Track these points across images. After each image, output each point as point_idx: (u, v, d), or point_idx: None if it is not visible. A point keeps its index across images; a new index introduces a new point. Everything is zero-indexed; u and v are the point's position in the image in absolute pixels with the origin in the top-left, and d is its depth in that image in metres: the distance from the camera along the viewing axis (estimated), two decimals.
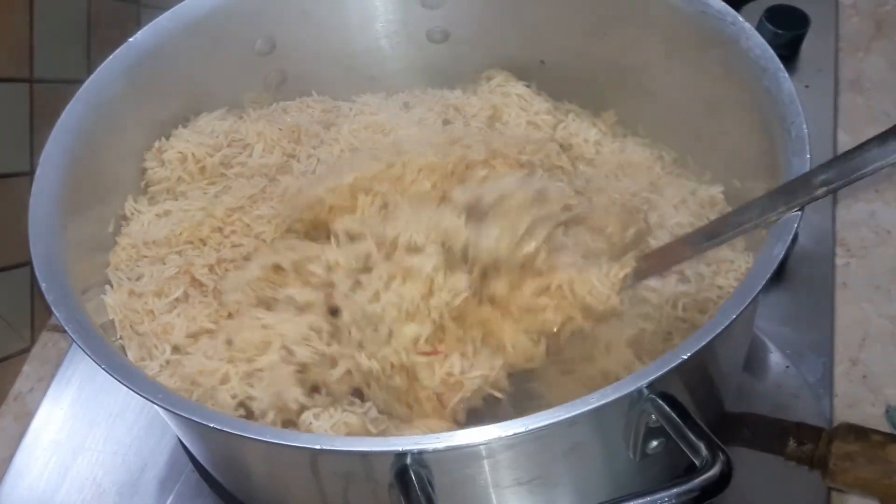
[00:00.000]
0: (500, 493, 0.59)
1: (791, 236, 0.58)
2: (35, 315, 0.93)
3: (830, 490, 0.72)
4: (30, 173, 0.88)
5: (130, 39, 0.79)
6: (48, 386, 0.90)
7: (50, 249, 0.66)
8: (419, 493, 0.52)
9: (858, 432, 0.67)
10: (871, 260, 0.85)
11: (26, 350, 0.93)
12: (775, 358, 0.81)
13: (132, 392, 0.57)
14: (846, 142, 0.93)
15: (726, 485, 0.51)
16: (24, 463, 0.85)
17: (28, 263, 0.89)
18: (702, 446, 0.52)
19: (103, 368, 0.58)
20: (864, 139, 0.88)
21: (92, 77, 0.76)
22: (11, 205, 0.86)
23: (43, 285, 0.63)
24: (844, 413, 0.76)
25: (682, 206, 0.75)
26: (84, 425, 0.86)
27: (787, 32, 1.00)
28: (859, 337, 0.80)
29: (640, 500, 0.51)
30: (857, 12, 1.05)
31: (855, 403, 0.77)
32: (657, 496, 0.51)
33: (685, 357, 0.53)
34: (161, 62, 0.80)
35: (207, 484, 0.78)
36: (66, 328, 0.60)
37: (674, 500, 0.51)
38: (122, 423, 0.85)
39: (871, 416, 0.76)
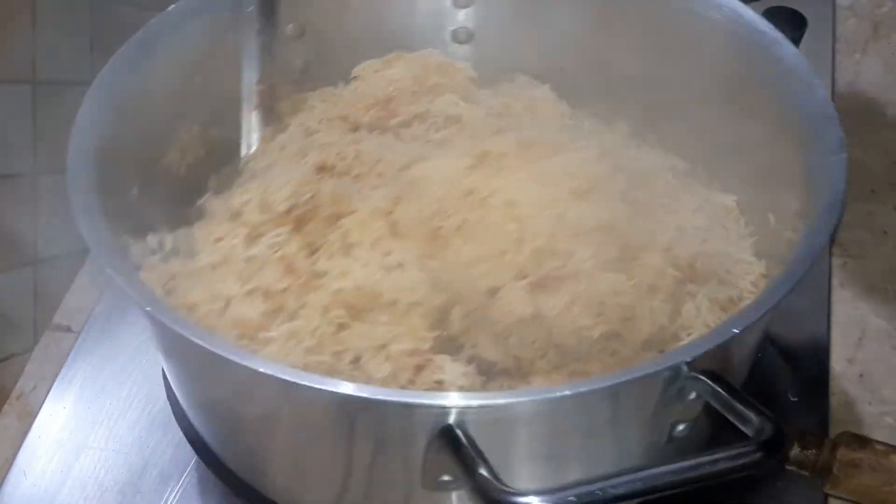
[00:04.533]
0: (524, 464, 0.60)
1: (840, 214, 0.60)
2: (38, 314, 0.93)
3: (827, 496, 0.72)
4: (33, 174, 0.89)
5: (152, 20, 0.78)
6: (51, 385, 0.90)
7: (87, 183, 0.66)
8: (470, 448, 0.52)
9: (862, 440, 0.67)
10: (867, 260, 0.86)
11: (29, 349, 0.93)
12: (772, 357, 0.81)
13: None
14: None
15: (779, 452, 0.52)
16: (26, 462, 0.85)
17: (31, 263, 0.90)
18: (752, 415, 0.53)
19: (146, 311, 0.58)
20: (860, 140, 0.90)
21: (126, 45, 0.76)
22: (14, 205, 0.87)
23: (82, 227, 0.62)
24: (841, 412, 0.77)
25: (699, 211, 0.76)
26: (86, 424, 0.87)
27: (784, 34, 1.01)
28: (856, 336, 0.81)
29: (692, 461, 0.51)
30: (854, 14, 1.06)
31: (852, 403, 0.77)
32: (713, 457, 0.51)
33: (737, 331, 0.54)
34: (193, 39, 0.81)
35: (214, 474, 0.77)
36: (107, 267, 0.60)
37: (728, 462, 0.51)
38: (124, 422, 0.86)
39: (868, 415, 0.76)
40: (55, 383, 0.90)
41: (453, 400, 0.53)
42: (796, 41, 1.02)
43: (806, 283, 0.85)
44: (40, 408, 0.89)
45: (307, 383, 0.53)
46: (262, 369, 0.53)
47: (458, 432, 0.52)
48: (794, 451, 0.68)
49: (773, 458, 0.52)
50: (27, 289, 0.92)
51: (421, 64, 0.89)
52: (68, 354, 0.92)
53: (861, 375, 0.79)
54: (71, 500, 0.82)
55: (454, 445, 0.52)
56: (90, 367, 0.90)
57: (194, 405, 0.75)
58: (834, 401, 0.78)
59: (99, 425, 0.86)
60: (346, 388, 0.53)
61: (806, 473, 0.68)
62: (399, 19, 0.90)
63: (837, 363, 0.79)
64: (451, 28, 0.91)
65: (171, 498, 0.80)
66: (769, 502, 0.73)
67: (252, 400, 0.64)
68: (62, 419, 0.88)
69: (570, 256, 0.68)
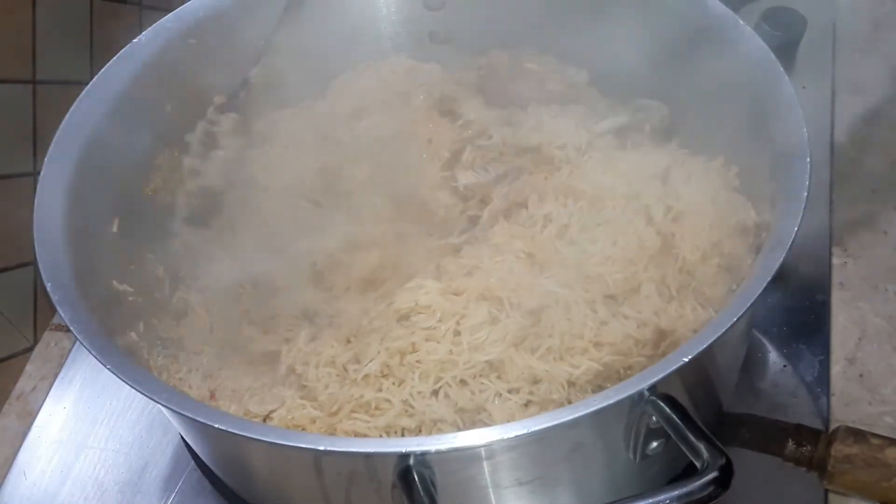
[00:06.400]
0: (502, 493, 0.60)
1: (792, 239, 0.58)
2: (38, 314, 0.93)
3: (827, 492, 0.72)
4: (33, 174, 0.89)
5: (135, 40, 0.79)
6: (51, 385, 0.90)
7: (55, 249, 0.66)
8: (422, 493, 0.52)
9: (857, 435, 0.67)
10: (867, 260, 0.86)
11: (29, 349, 0.93)
12: (773, 357, 0.81)
13: (136, 392, 0.58)
14: (843, 142, 0.94)
15: (727, 487, 0.51)
16: (26, 461, 0.85)
17: (31, 263, 0.90)
18: (702, 448, 0.53)
19: (108, 369, 0.58)
20: (860, 140, 0.89)
21: (97, 77, 0.77)
22: (14, 205, 0.87)
23: (48, 285, 0.63)
24: (841, 412, 0.77)
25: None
26: (86, 424, 0.87)
27: (784, 34, 1.01)
28: (856, 336, 0.81)
29: (640, 503, 0.51)
30: (854, 14, 1.06)
31: (852, 402, 0.77)
32: (658, 498, 0.51)
33: (686, 360, 0.53)
34: (165, 63, 0.80)
35: (210, 482, 0.79)
36: (71, 328, 0.61)
37: (675, 502, 0.51)
38: (124, 422, 0.86)
39: (867, 415, 0.76)
40: (55, 383, 0.90)
41: (408, 445, 0.54)
42: (796, 41, 1.02)
43: (806, 283, 0.86)
44: (40, 408, 0.89)
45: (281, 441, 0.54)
46: (216, 425, 0.55)
47: (415, 474, 0.53)
48: (790, 448, 0.69)
49: (721, 492, 0.51)
50: (27, 289, 0.92)
51: (389, 71, 0.90)
52: (68, 354, 0.92)
53: (861, 375, 0.78)
54: (71, 500, 0.82)
55: (409, 488, 0.53)
56: (90, 367, 0.90)
57: (188, 434, 0.76)
58: (834, 401, 0.77)
59: (99, 425, 0.86)
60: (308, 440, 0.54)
61: (803, 469, 0.68)
62: (375, 26, 0.90)
63: (837, 363, 0.79)
64: (429, 30, 0.91)
65: (171, 498, 0.80)
66: (770, 499, 0.73)
67: (234, 448, 0.67)
68: (62, 419, 0.88)
69: None
